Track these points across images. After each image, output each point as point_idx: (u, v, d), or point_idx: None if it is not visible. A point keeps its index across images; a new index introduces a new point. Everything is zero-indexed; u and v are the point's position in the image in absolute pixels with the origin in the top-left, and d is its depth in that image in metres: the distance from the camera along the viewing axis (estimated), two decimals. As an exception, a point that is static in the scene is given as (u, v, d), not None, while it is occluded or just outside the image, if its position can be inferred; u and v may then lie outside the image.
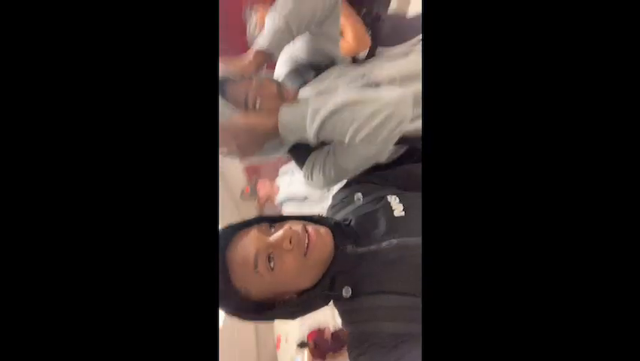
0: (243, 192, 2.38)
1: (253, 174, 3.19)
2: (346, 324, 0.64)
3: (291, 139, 0.76)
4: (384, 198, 0.73)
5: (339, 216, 0.78)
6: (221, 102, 0.74)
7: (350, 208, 0.77)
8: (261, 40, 0.80)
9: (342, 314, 0.65)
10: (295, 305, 0.63)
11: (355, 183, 0.83)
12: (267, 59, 0.80)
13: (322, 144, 0.79)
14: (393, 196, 0.73)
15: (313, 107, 0.70)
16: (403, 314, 0.58)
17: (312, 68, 0.91)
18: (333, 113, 0.68)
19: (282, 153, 0.86)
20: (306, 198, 2.16)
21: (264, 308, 0.63)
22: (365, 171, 0.81)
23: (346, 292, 0.62)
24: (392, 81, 0.81)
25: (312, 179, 0.83)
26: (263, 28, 1.29)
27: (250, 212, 5.41)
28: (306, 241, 0.61)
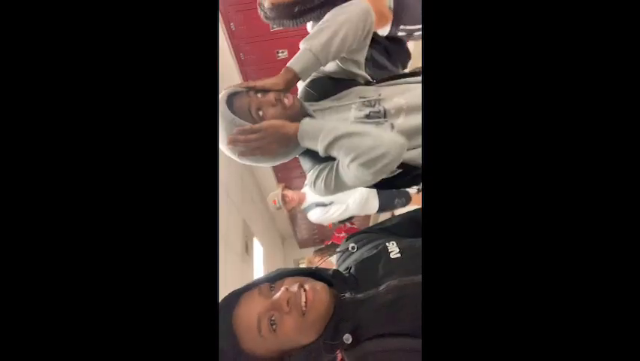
0: (271, 204, 2.57)
1: (281, 182, 3.30)
2: None
3: (305, 145, 0.86)
4: (382, 244, 0.77)
5: (342, 267, 0.81)
6: (229, 116, 0.84)
7: (351, 258, 0.82)
8: (293, 63, 0.89)
9: None
10: (303, 358, 0.66)
11: (357, 235, 0.91)
12: (297, 79, 0.90)
13: (328, 158, 0.88)
14: (391, 242, 0.77)
15: (329, 127, 0.82)
16: (404, 357, 0.60)
17: (334, 81, 1.00)
18: (342, 136, 0.80)
19: (292, 157, 0.95)
20: (332, 202, 2.38)
21: None
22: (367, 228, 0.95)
23: (347, 339, 0.64)
24: (399, 111, 0.92)
25: (314, 186, 0.93)
26: (273, 6, 1.20)
27: (283, 218, 5.84)
28: (304, 300, 0.64)
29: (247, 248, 4.39)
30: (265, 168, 3.85)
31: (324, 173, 0.90)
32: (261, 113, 0.85)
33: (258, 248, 4.90)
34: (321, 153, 0.84)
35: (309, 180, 0.94)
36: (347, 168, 0.84)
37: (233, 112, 0.84)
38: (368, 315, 0.65)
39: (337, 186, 0.90)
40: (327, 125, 0.84)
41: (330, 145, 0.82)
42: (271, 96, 0.86)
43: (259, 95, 0.87)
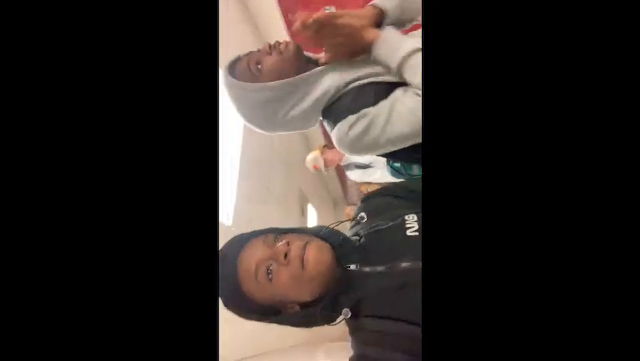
0: (312, 169, 2.55)
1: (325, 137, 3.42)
2: (353, 342, 0.66)
3: (378, 54, 0.77)
4: (401, 216, 0.71)
5: (351, 232, 0.78)
6: (232, 82, 0.81)
7: (364, 224, 0.78)
8: (385, 2, 0.81)
9: (350, 333, 0.67)
10: (299, 317, 0.67)
11: (376, 196, 0.85)
12: (382, 17, 0.81)
13: (361, 108, 0.78)
14: (412, 215, 0.71)
15: (412, 41, 0.74)
16: (405, 344, 0.59)
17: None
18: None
19: (318, 114, 0.85)
20: (370, 164, 2.24)
21: (268, 313, 0.68)
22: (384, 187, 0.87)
23: (345, 314, 0.64)
24: None
25: (348, 133, 0.77)
26: None
27: (335, 184, 6.20)
28: (303, 255, 0.63)
29: (303, 212, 4.84)
30: (318, 136, 4.09)
31: (367, 118, 0.76)
32: (259, 66, 0.81)
33: (312, 212, 5.34)
34: (395, 67, 0.74)
35: (341, 130, 0.79)
36: (410, 94, 0.73)
37: (235, 77, 0.82)
38: (371, 293, 0.64)
39: (381, 135, 0.76)
40: (410, 38, 0.77)
41: (408, 58, 0.73)
42: (265, 46, 0.83)
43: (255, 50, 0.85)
